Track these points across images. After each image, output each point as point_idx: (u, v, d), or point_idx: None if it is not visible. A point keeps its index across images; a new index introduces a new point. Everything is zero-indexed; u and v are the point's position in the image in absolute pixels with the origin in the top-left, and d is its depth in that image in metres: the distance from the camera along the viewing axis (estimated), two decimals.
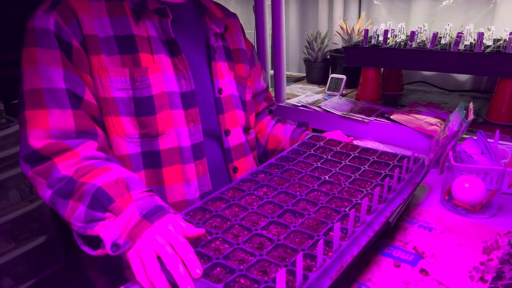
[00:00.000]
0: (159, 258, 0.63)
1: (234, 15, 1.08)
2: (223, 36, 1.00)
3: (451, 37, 1.35)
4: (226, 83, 0.97)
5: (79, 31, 0.78)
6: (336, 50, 1.79)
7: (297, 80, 1.93)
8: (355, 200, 0.77)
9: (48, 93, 0.75)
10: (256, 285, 0.58)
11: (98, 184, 0.71)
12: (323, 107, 1.44)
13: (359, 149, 0.98)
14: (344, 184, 0.83)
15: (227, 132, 0.95)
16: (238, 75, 1.02)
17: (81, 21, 0.78)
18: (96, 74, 0.79)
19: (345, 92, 1.65)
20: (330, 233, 0.69)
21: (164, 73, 0.84)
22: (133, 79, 0.81)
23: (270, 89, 1.40)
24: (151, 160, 0.84)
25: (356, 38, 1.67)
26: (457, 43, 1.23)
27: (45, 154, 0.74)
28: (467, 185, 0.87)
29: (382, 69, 1.60)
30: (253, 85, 1.11)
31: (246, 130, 1.04)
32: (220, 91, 0.94)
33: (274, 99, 1.24)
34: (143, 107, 0.82)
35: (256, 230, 0.69)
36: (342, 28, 1.71)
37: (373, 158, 0.93)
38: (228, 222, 0.72)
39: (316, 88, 1.77)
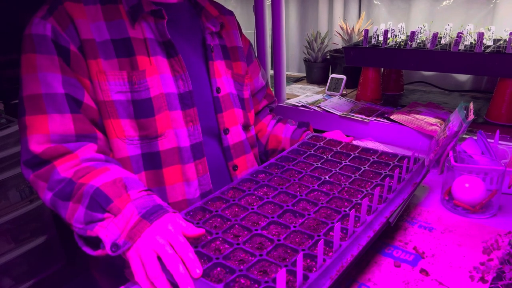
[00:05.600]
0: (159, 258, 0.63)
1: (230, 13, 1.08)
2: (219, 34, 1.00)
3: (451, 37, 1.35)
4: (224, 82, 0.97)
5: (76, 36, 0.78)
6: (336, 50, 1.79)
7: (297, 80, 1.93)
8: (355, 200, 0.77)
9: (47, 99, 0.75)
10: (256, 285, 0.58)
11: (96, 185, 0.71)
12: (323, 107, 1.44)
13: (359, 149, 0.98)
14: (344, 184, 0.83)
15: (226, 131, 0.96)
16: (236, 73, 1.02)
17: (77, 26, 0.78)
18: (94, 78, 0.79)
19: (345, 92, 1.65)
20: (330, 233, 0.69)
21: (161, 74, 0.84)
22: (131, 82, 0.81)
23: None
24: (151, 161, 0.85)
25: (356, 38, 1.67)
26: (457, 43, 1.23)
27: (45, 158, 0.75)
28: (467, 185, 0.87)
29: (382, 69, 1.60)
30: (251, 82, 1.11)
31: (246, 127, 1.04)
32: (218, 90, 0.94)
33: (274, 95, 1.24)
34: (142, 109, 0.82)
35: (256, 230, 0.69)
36: (342, 28, 1.71)
37: (373, 158, 0.93)
38: (228, 222, 0.72)
39: (316, 88, 1.77)
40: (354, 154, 0.96)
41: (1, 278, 1.69)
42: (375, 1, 1.76)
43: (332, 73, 1.74)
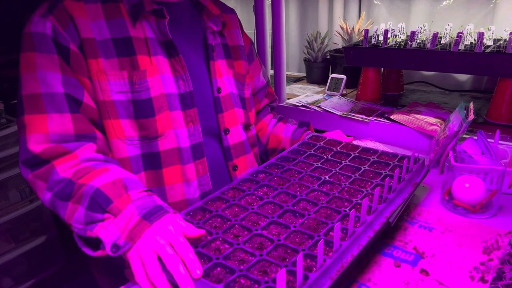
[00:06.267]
0: (159, 258, 0.63)
1: (232, 11, 1.08)
2: (221, 33, 1.00)
3: (451, 37, 1.35)
4: (225, 82, 0.97)
5: (76, 35, 0.77)
6: (336, 50, 1.79)
7: (297, 80, 1.93)
8: (355, 200, 0.77)
9: (46, 98, 0.75)
10: (256, 285, 0.58)
11: (96, 186, 0.71)
12: (323, 107, 1.44)
13: (359, 149, 0.98)
14: (344, 184, 0.83)
15: (226, 131, 0.95)
16: (237, 72, 1.02)
17: (77, 24, 0.77)
18: (95, 78, 0.79)
19: (345, 92, 1.65)
20: (330, 233, 0.69)
21: (162, 74, 0.84)
22: (131, 82, 0.81)
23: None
24: (151, 161, 0.84)
25: (356, 38, 1.67)
26: (457, 43, 1.23)
27: (44, 158, 0.74)
28: (467, 185, 0.87)
29: (382, 69, 1.60)
30: (252, 81, 1.11)
31: (246, 127, 1.04)
32: (218, 90, 0.94)
33: (275, 94, 1.24)
34: (142, 109, 0.82)
35: (256, 230, 0.69)
36: (342, 28, 1.71)
37: (373, 158, 0.93)
38: (228, 222, 0.72)
39: (316, 88, 1.77)
40: (354, 154, 0.96)
41: (1, 278, 1.69)
42: (375, 1, 1.76)
43: (332, 73, 1.74)
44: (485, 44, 1.25)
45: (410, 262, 0.74)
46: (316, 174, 0.88)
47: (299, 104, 1.50)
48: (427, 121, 1.25)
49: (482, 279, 0.68)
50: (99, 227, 0.68)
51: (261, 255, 0.63)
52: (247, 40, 1.11)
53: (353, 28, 1.68)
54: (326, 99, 1.54)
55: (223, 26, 0.99)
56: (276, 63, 1.54)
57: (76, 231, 0.72)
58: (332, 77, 1.64)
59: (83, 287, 1.83)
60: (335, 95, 1.59)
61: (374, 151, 0.97)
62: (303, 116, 1.48)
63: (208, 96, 0.93)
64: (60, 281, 1.85)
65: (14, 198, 1.72)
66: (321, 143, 1.01)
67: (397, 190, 0.80)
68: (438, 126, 1.21)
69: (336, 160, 0.93)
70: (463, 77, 1.65)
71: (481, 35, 1.19)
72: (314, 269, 0.60)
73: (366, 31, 1.40)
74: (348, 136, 1.14)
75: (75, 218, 0.71)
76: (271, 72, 1.65)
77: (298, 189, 0.82)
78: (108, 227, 0.68)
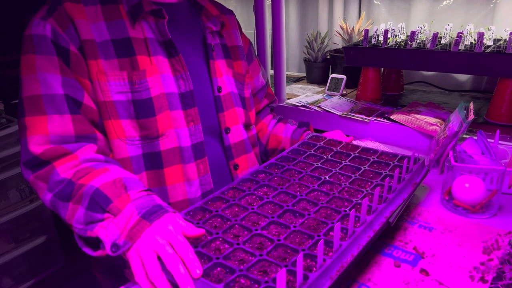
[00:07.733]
0: (159, 258, 0.63)
1: (230, 12, 1.08)
2: (220, 33, 1.00)
3: (451, 37, 1.35)
4: (225, 81, 0.97)
5: (76, 37, 0.78)
6: (336, 50, 1.79)
7: (297, 80, 1.93)
8: (355, 200, 0.77)
9: (47, 99, 0.75)
10: (256, 285, 0.58)
11: (96, 186, 0.71)
12: (323, 107, 1.44)
13: (359, 149, 0.98)
14: (344, 184, 0.83)
15: (227, 130, 0.96)
16: (237, 72, 1.02)
17: (77, 26, 0.78)
18: (95, 79, 0.79)
19: (345, 92, 1.65)
20: (330, 233, 0.69)
21: (162, 74, 0.84)
22: (131, 82, 0.81)
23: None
24: (152, 161, 0.85)
25: (356, 38, 1.67)
26: (457, 43, 1.23)
27: (45, 159, 0.75)
28: (467, 185, 0.87)
29: (382, 69, 1.60)
30: (252, 81, 1.11)
31: (247, 126, 1.04)
32: (219, 89, 0.95)
33: (274, 95, 1.24)
34: (142, 109, 0.82)
35: (256, 230, 0.69)
36: (342, 28, 1.71)
37: (373, 158, 0.93)
38: (228, 222, 0.72)
39: (316, 88, 1.77)
40: (354, 154, 0.96)
41: (1, 278, 1.69)
42: (375, 1, 1.76)
43: (332, 73, 1.74)
44: (485, 44, 1.25)
45: (410, 262, 0.74)
46: (316, 174, 0.88)
47: (299, 104, 1.50)
48: (427, 121, 1.25)
49: (482, 279, 0.68)
50: (99, 227, 0.69)
51: (261, 255, 0.63)
52: (246, 41, 1.11)
53: (353, 28, 1.68)
54: (326, 99, 1.54)
55: (221, 27, 0.99)
56: (276, 63, 1.54)
57: (77, 231, 0.72)
58: (332, 77, 1.64)
59: (83, 287, 1.83)
60: (335, 95, 1.59)
61: (374, 151, 0.97)
62: (303, 116, 1.48)
63: (209, 95, 0.94)
64: (60, 281, 1.85)
65: (14, 198, 1.72)
66: (321, 143, 1.01)
67: (397, 190, 0.80)
68: (438, 126, 1.21)
69: (336, 160, 0.93)
70: (463, 77, 1.65)
71: (481, 35, 1.19)
72: (314, 269, 0.60)
73: (366, 31, 1.40)
74: (348, 136, 1.14)
75: (75, 218, 0.71)
76: (271, 72, 1.65)
77: (298, 189, 0.82)
78: (108, 226, 0.68)
